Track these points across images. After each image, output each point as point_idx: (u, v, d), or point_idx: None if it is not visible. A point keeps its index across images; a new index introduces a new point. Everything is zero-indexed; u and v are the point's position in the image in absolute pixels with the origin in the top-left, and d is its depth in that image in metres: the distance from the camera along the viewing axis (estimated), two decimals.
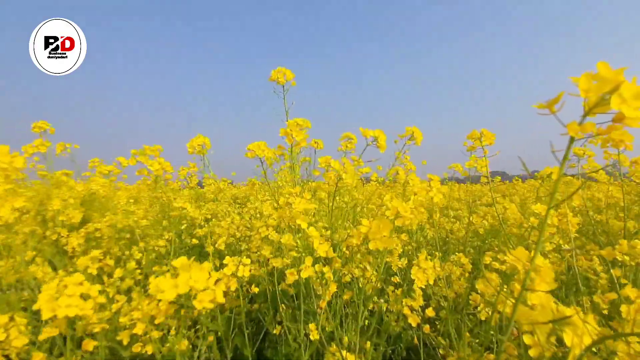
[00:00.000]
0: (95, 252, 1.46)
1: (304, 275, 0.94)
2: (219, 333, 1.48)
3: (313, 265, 1.01)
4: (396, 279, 1.50)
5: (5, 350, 0.84)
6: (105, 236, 1.93)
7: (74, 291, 0.74)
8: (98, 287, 0.80)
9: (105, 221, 1.97)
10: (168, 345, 1.00)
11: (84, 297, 0.77)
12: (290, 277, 0.97)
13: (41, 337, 0.82)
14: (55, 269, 1.70)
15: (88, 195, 2.45)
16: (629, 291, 1.04)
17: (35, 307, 0.74)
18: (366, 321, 1.46)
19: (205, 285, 0.69)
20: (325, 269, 1.01)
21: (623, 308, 0.98)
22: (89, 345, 0.91)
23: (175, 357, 1.04)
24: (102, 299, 0.81)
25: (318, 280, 1.08)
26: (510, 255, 0.80)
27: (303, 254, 0.95)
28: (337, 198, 1.41)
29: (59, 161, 2.42)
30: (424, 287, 1.22)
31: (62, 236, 1.84)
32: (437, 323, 1.54)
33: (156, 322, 0.92)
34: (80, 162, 2.52)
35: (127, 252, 1.82)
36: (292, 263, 1.13)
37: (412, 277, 1.15)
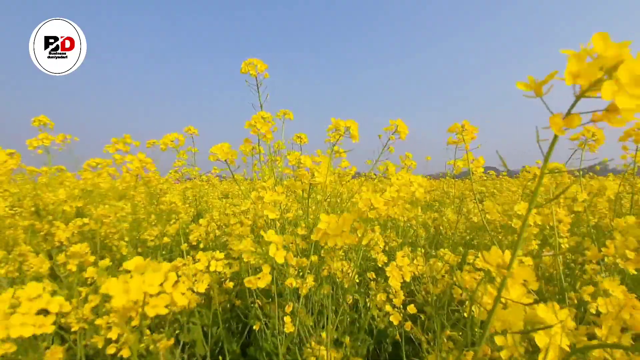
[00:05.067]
0: (76, 247, 1.43)
1: (261, 284, 0.90)
2: (205, 328, 1.49)
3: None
4: (372, 275, 1.48)
5: None
6: (98, 229, 1.95)
7: (28, 308, 0.67)
8: (60, 299, 0.73)
9: (99, 213, 1.98)
10: (143, 345, 1.00)
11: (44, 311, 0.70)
12: (248, 284, 0.93)
13: None
14: (52, 258, 1.72)
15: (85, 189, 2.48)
16: (607, 284, 1.01)
17: None
18: (348, 316, 1.46)
19: (160, 290, 0.61)
20: (289, 281, 0.98)
21: (600, 301, 0.96)
22: (56, 354, 0.87)
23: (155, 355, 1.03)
24: (67, 307, 0.75)
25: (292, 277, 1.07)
26: (482, 259, 0.77)
27: (261, 260, 0.91)
28: (316, 195, 1.38)
29: (57, 155, 2.45)
30: (401, 283, 1.20)
31: (59, 228, 1.86)
32: (421, 317, 1.54)
33: (114, 331, 0.87)
34: (79, 156, 2.57)
35: (116, 244, 1.82)
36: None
37: (387, 274, 1.14)
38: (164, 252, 2.07)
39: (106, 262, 1.33)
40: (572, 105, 0.48)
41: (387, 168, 1.56)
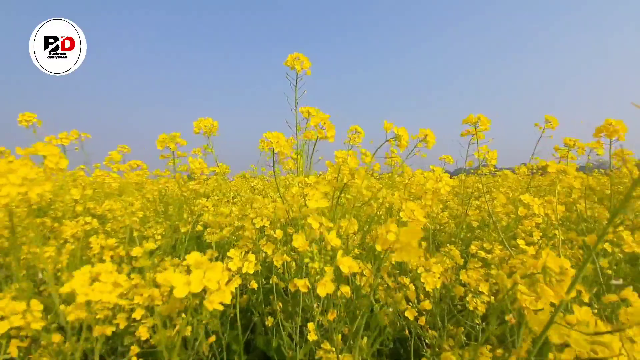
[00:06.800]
0: (111, 241, 1.49)
1: (322, 293, 0.81)
2: (208, 326, 1.49)
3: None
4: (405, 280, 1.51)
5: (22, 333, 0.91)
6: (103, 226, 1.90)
7: (107, 279, 0.81)
8: (124, 276, 0.85)
9: (104, 208, 1.94)
10: (169, 334, 1.00)
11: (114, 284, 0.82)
12: (303, 289, 0.89)
13: (70, 318, 0.87)
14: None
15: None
16: (628, 294, 1.04)
17: (63, 290, 0.80)
18: (358, 312, 1.47)
19: (218, 286, 0.65)
20: (345, 289, 0.99)
21: (621, 311, 0.99)
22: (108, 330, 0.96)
23: (169, 345, 1.02)
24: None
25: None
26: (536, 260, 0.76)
27: (320, 264, 0.82)
28: (349, 196, 1.37)
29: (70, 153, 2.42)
30: (431, 290, 1.22)
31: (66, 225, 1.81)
32: (424, 313, 1.58)
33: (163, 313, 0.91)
34: (90, 153, 2.54)
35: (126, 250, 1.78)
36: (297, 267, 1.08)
37: (422, 280, 1.14)
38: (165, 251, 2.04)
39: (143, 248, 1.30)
40: None
41: (403, 171, 1.59)
